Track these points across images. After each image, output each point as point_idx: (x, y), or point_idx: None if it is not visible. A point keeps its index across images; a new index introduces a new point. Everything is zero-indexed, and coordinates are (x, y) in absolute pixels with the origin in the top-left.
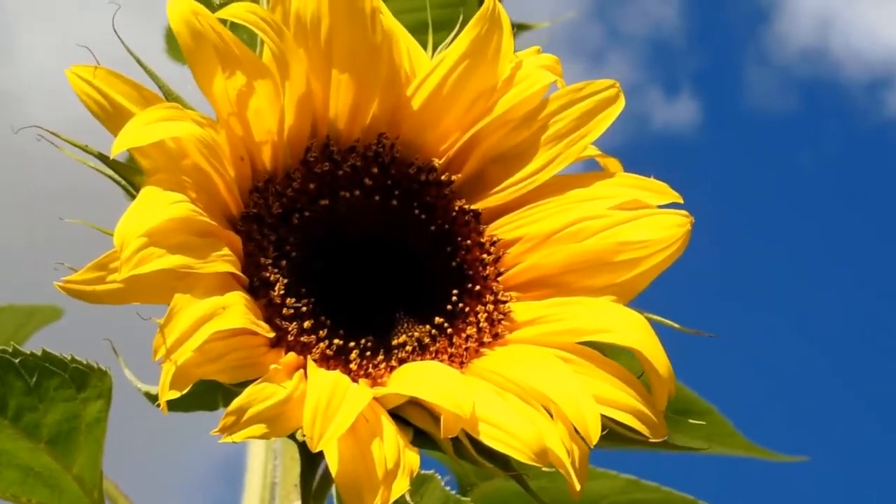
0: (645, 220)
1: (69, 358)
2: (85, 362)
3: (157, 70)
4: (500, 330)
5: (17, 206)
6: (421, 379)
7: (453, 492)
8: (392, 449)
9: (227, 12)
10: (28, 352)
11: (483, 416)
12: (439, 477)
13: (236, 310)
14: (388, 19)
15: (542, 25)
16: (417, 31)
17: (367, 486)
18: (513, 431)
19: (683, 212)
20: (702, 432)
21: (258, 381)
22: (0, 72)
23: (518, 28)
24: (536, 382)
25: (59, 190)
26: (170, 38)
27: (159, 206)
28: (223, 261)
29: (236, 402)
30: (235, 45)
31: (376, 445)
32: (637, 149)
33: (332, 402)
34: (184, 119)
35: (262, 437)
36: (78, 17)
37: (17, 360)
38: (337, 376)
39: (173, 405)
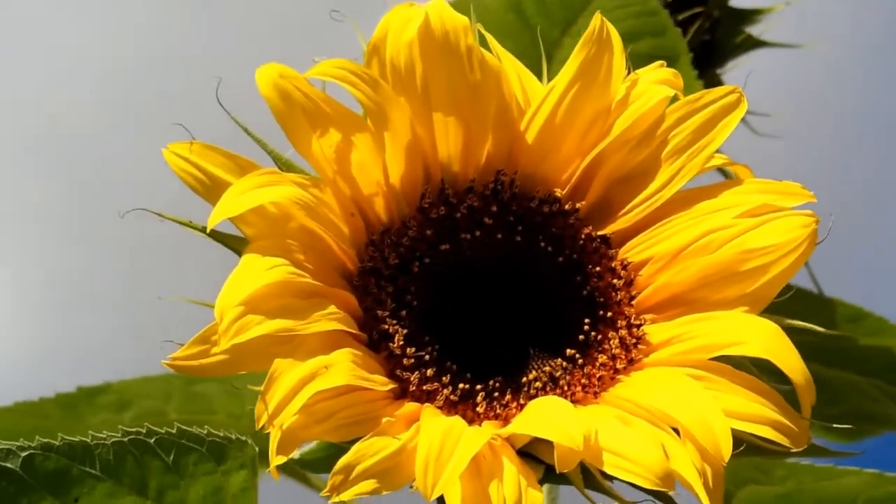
0: (770, 224)
1: (205, 432)
2: (222, 434)
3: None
4: (635, 355)
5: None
6: (537, 415)
7: None
8: (512, 489)
9: (317, 70)
10: (163, 430)
11: (606, 446)
12: None
13: (341, 367)
14: (497, 54)
15: (777, 8)
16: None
17: None
18: (635, 458)
19: (808, 211)
20: None
21: (368, 436)
22: None
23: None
24: (663, 404)
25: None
26: None
27: (256, 272)
28: (328, 319)
29: (343, 460)
30: (325, 102)
31: (495, 487)
32: None
33: (444, 448)
34: (282, 183)
35: (373, 492)
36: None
37: (152, 440)
38: (452, 421)
39: (315, 467)
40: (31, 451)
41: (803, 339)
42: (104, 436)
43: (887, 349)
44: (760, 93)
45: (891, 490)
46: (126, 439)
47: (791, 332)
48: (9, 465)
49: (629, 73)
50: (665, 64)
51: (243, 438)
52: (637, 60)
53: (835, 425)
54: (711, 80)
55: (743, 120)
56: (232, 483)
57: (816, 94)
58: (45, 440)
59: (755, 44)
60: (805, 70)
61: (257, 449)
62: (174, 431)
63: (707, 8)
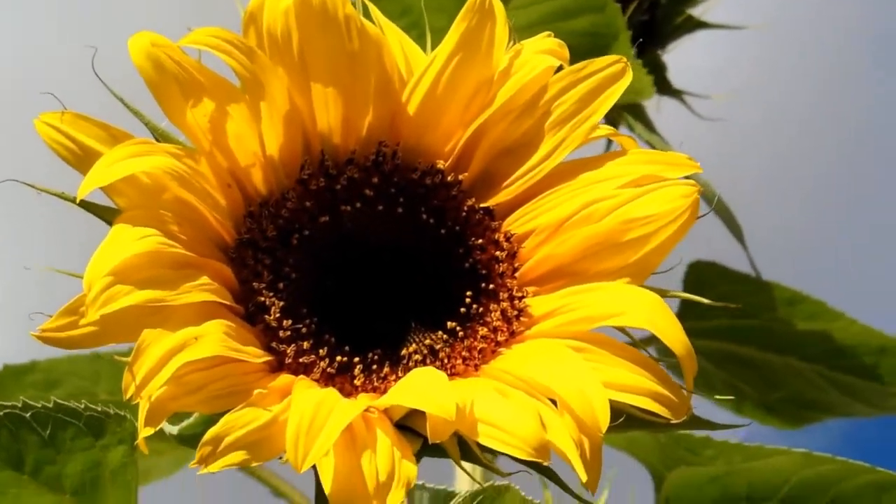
0: (651, 194)
1: (83, 406)
2: (100, 409)
3: None
4: (516, 327)
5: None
6: (410, 386)
7: (536, 501)
8: (385, 461)
9: (190, 39)
10: (39, 405)
11: (481, 417)
12: (517, 487)
13: (212, 338)
14: (380, 24)
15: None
16: (560, 17)
17: (360, 501)
18: (511, 429)
19: (690, 181)
20: None
21: (238, 407)
22: None
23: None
24: (541, 376)
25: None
26: None
27: (125, 242)
28: (200, 290)
29: (212, 431)
30: (199, 71)
31: (367, 458)
32: None
33: (316, 419)
34: (155, 153)
35: (243, 463)
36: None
37: (27, 415)
38: (325, 393)
39: (191, 441)
40: None
41: (741, 323)
42: None
43: (825, 333)
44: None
45: (821, 470)
46: (2, 413)
47: (730, 314)
48: None
49: (513, 43)
50: (552, 35)
51: (122, 413)
52: (575, 37)
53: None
54: (652, 61)
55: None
56: (111, 458)
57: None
58: None
59: (696, 25)
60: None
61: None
62: (50, 406)
63: None
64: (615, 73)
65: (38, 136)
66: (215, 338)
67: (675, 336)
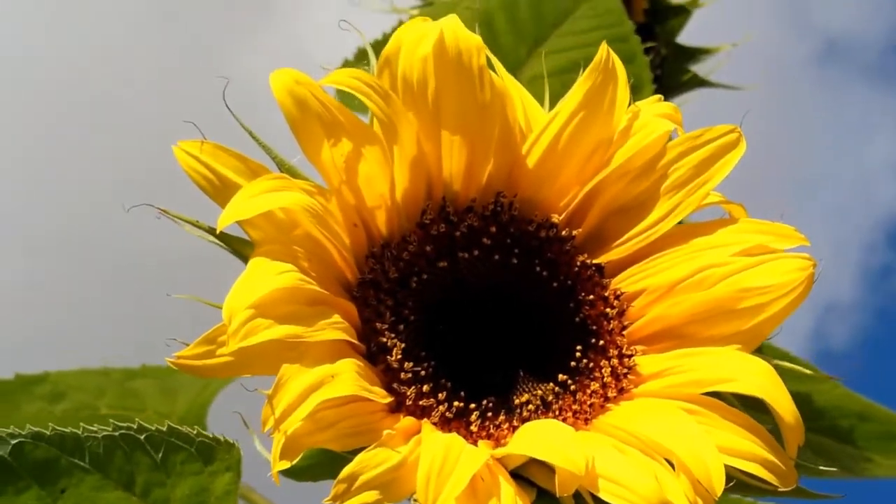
0: (767, 265)
1: (195, 432)
2: (211, 436)
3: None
4: (625, 384)
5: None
6: (536, 438)
7: None
8: None
9: (332, 79)
10: (153, 427)
11: (602, 473)
12: None
13: (346, 377)
14: (502, 76)
15: (724, 48)
16: (577, 70)
17: None
18: (631, 486)
19: (806, 255)
20: None
21: (371, 447)
22: None
23: (699, 52)
24: (658, 436)
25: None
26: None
27: (266, 276)
28: (334, 328)
29: (347, 470)
30: (340, 112)
31: None
32: None
33: (445, 464)
34: (292, 189)
35: (374, 503)
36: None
37: (142, 437)
38: (452, 438)
39: (299, 475)
40: (21, 440)
41: None
42: (95, 429)
43: (808, 395)
44: None
45: None
46: (117, 434)
47: None
48: None
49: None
50: (662, 98)
51: (231, 441)
52: None
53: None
54: None
55: None
56: (217, 485)
57: None
58: (36, 429)
59: (700, 83)
60: None
61: (242, 452)
62: (164, 429)
63: (657, 43)
64: (730, 142)
65: (177, 162)
66: (350, 377)
67: (785, 405)
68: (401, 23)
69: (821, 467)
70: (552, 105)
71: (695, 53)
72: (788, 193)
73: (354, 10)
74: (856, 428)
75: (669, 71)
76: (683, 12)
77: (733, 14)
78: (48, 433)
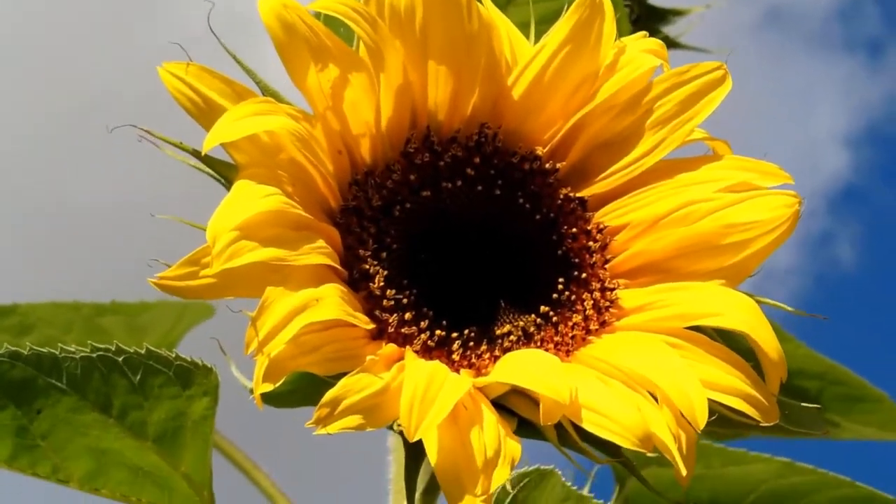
0: (752, 201)
1: (173, 355)
2: (189, 359)
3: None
4: (607, 317)
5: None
6: (520, 367)
7: (574, 487)
8: (492, 437)
9: (320, 4)
10: (132, 349)
11: (586, 403)
12: (559, 472)
13: (331, 301)
14: (488, 8)
15: (695, 10)
16: (545, 22)
17: (467, 475)
18: (615, 417)
19: (792, 192)
20: (874, 419)
21: (354, 372)
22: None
23: (671, 13)
24: (642, 368)
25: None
26: None
27: (251, 199)
28: (318, 253)
29: (330, 394)
30: (328, 37)
31: (476, 434)
32: None
33: (429, 390)
34: (278, 113)
35: (357, 428)
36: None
37: (120, 359)
38: (436, 365)
39: (279, 401)
40: None
41: None
42: (73, 349)
43: None
44: None
45: (795, 481)
46: (94, 355)
47: None
48: None
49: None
50: (647, 34)
51: (209, 365)
52: None
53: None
54: None
55: None
56: (194, 409)
57: None
58: (13, 348)
59: (671, 45)
60: None
61: (220, 377)
62: (143, 352)
63: (630, 2)
64: (716, 78)
65: (161, 82)
66: (334, 301)
67: (770, 342)
68: None
69: (787, 427)
70: (537, 41)
71: (666, 14)
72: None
73: None
74: (821, 390)
75: (641, 31)
76: None
77: None
78: (25, 353)
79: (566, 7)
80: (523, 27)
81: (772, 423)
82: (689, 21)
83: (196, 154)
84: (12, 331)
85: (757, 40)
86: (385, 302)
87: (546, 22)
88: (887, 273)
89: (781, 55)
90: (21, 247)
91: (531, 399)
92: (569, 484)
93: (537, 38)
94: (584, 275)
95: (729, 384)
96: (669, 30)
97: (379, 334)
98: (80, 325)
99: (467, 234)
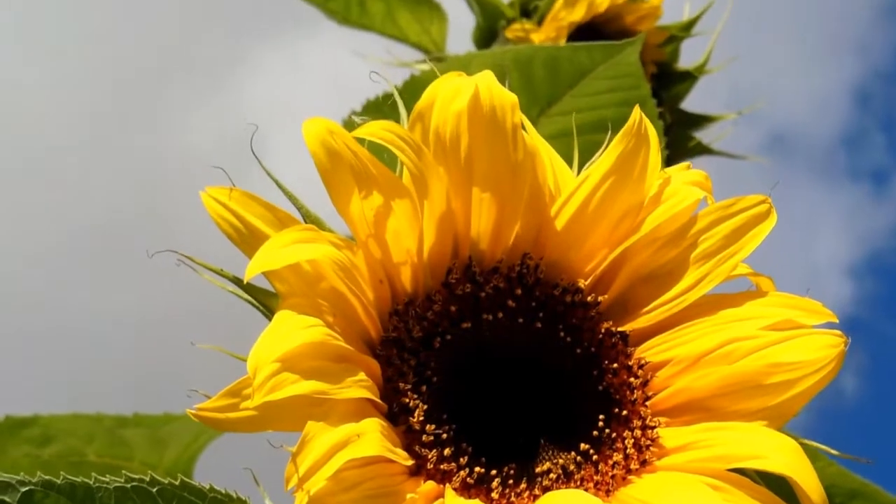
0: (797, 340)
1: (207, 487)
2: (224, 492)
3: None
4: (647, 456)
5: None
6: None
7: None
8: None
9: (365, 131)
10: (166, 481)
11: None
12: None
13: (372, 437)
14: (532, 136)
15: (728, 117)
16: (597, 129)
17: None
18: None
19: (837, 332)
20: None
21: None
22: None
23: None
24: None
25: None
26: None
27: (293, 330)
28: (359, 386)
29: None
30: (372, 164)
31: None
32: None
33: None
34: (320, 241)
35: None
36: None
37: (154, 490)
38: None
39: None
40: (31, 487)
41: None
42: (107, 479)
43: None
44: None
45: None
46: (129, 486)
47: None
48: (6, 498)
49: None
50: (691, 165)
51: (243, 497)
52: None
53: None
54: None
55: None
56: None
57: None
58: (47, 477)
59: (704, 150)
60: None
61: None
62: (177, 483)
63: (663, 109)
64: (761, 212)
65: (204, 208)
66: (375, 437)
67: (813, 485)
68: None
69: None
70: (581, 165)
71: (699, 120)
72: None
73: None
74: None
75: (674, 137)
76: (690, 78)
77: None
78: (59, 482)
79: (608, 123)
80: (557, 139)
81: None
82: (722, 127)
83: (237, 281)
84: (34, 441)
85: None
86: (424, 437)
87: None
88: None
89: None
90: (43, 360)
91: None
92: None
93: (581, 162)
94: (624, 412)
95: None
96: (702, 135)
97: (417, 470)
98: (101, 437)
99: (507, 366)
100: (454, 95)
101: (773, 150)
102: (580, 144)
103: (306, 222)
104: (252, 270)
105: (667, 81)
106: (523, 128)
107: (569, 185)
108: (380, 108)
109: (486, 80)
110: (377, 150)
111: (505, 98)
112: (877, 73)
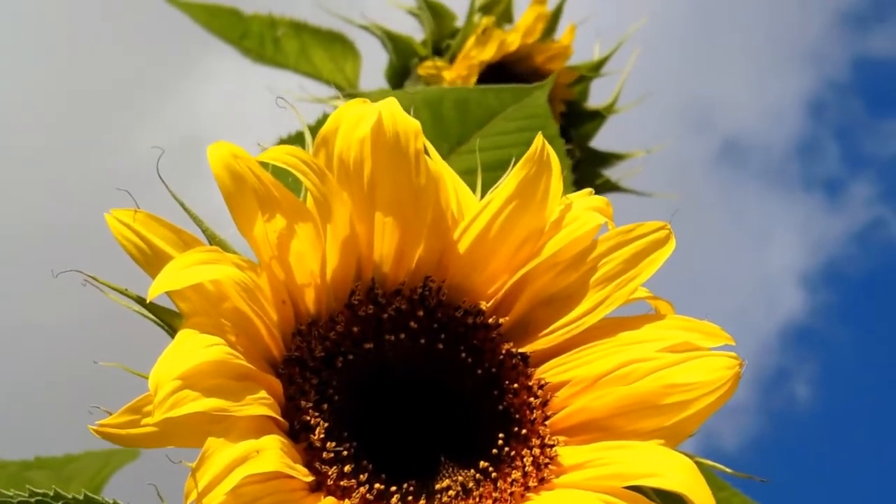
0: (693, 362)
1: (111, 502)
2: None
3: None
4: (546, 474)
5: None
6: None
7: None
8: None
9: (269, 155)
10: (70, 495)
11: None
12: None
13: (271, 453)
14: (436, 162)
15: (637, 155)
16: (504, 167)
17: None
18: None
19: (733, 354)
20: None
21: None
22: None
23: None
24: None
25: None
26: None
27: (194, 349)
28: (260, 404)
29: None
30: (276, 187)
31: None
32: None
33: None
34: (223, 262)
35: None
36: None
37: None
38: None
39: None
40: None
41: None
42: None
43: None
44: None
45: None
46: (33, 500)
47: None
48: None
49: None
50: (593, 192)
51: None
52: None
53: None
54: None
55: None
56: None
57: None
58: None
59: (612, 187)
60: None
61: None
62: (81, 498)
63: (572, 146)
64: (660, 238)
65: (108, 229)
66: (275, 453)
67: (707, 502)
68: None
69: None
70: (483, 196)
71: (608, 158)
72: (684, 294)
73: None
74: None
75: (583, 174)
76: (598, 117)
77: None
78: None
79: (514, 160)
80: (465, 175)
81: None
82: (631, 165)
83: (140, 301)
84: None
85: (712, 175)
86: (325, 454)
87: (490, 170)
88: (842, 413)
89: (738, 190)
90: None
91: None
92: None
93: (483, 188)
94: (524, 431)
95: None
96: (611, 173)
97: (318, 486)
98: (6, 482)
99: (409, 386)
100: (358, 121)
101: (726, 158)
102: (487, 182)
103: (211, 244)
104: (155, 290)
105: (576, 120)
106: (427, 153)
107: (472, 210)
108: (294, 144)
109: (390, 107)
110: (282, 175)
111: (408, 124)
112: (831, 82)
